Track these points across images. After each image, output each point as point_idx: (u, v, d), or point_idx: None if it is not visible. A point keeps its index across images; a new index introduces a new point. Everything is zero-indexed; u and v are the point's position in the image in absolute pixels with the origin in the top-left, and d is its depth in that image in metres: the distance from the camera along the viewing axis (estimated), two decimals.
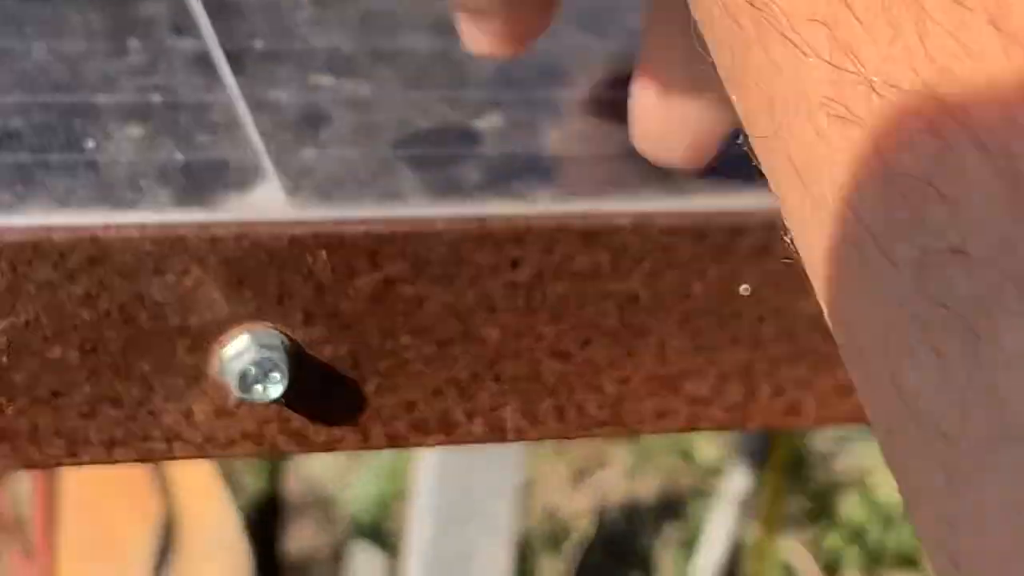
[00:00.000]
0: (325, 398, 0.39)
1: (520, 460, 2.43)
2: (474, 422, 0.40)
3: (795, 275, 0.41)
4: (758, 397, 0.42)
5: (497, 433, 0.40)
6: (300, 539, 3.42)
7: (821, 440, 3.19)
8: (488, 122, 0.42)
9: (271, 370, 0.37)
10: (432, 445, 0.40)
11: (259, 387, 0.37)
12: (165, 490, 2.14)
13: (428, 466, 2.43)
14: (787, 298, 0.41)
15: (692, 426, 0.42)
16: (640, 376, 0.41)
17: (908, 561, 3.02)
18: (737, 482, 2.48)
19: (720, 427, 0.42)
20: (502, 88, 0.43)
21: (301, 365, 0.38)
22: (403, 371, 0.39)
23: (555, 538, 2.83)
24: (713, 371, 0.41)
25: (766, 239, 0.40)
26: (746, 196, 0.40)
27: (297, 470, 2.99)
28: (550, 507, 3.03)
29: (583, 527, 2.79)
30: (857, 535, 2.92)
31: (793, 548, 2.76)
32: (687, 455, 3.03)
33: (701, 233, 0.40)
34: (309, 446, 0.39)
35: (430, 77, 0.43)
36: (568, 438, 0.41)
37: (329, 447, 0.39)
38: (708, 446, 2.98)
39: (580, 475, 3.08)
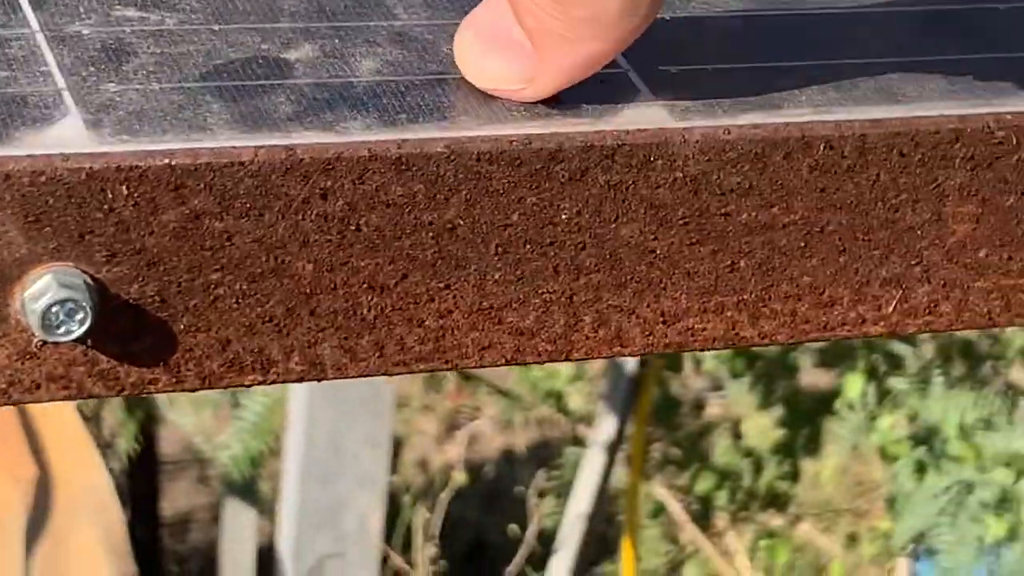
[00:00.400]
0: (134, 338, 0.37)
1: (391, 413, 2.42)
2: (291, 359, 0.39)
3: (615, 200, 0.40)
4: (582, 327, 0.41)
5: (316, 370, 0.39)
6: (176, 499, 3.39)
7: (693, 386, 3.21)
8: (299, 52, 0.40)
9: (74, 310, 0.36)
10: (248, 385, 0.39)
11: (62, 328, 0.36)
12: (38, 453, 2.11)
13: (298, 423, 2.42)
14: (607, 224, 0.40)
15: (517, 359, 0.41)
16: (461, 309, 0.40)
17: (778, 503, 3.05)
18: (606, 430, 2.49)
19: (545, 359, 0.41)
20: (314, 18, 0.42)
21: (107, 304, 0.37)
22: (214, 308, 0.38)
23: (428, 490, 2.82)
24: (535, 302, 0.40)
25: (584, 164, 0.39)
26: (562, 121, 0.40)
27: (171, 431, 2.97)
28: (423, 460, 3.02)
29: (456, 478, 2.78)
30: (728, 479, 2.95)
31: (663, 492, 2.77)
32: (559, 404, 3.04)
33: (517, 160, 0.39)
34: (119, 388, 0.38)
35: (239, 8, 0.42)
36: (389, 374, 0.40)
37: (140, 389, 0.38)
38: (578, 395, 2.99)
39: (452, 427, 3.08)
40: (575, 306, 0.41)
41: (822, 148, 0.41)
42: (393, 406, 2.36)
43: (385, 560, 2.41)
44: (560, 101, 0.40)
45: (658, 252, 0.41)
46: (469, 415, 2.95)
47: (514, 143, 0.39)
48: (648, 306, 0.41)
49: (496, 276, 0.40)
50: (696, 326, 0.42)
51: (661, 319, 0.42)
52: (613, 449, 2.43)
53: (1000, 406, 2.02)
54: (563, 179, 0.39)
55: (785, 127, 0.41)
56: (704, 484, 2.91)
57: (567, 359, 0.41)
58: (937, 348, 3.07)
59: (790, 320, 0.43)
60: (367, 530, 2.43)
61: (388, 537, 2.48)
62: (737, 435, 3.09)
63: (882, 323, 0.43)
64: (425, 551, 2.45)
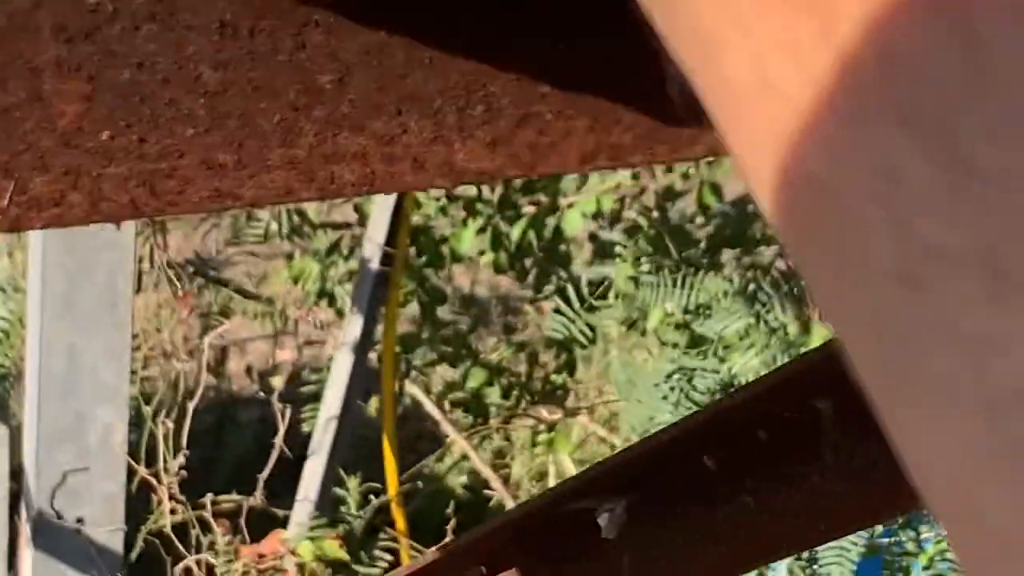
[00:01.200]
0: None
1: (128, 324, 2.37)
2: None
3: None
4: None
5: None
6: None
7: (461, 282, 3.19)
8: None
9: None
10: None
11: None
12: None
13: (34, 337, 2.36)
14: None
15: None
16: None
17: (554, 397, 3.04)
18: (353, 331, 2.45)
19: None
20: None
21: None
22: None
23: (173, 400, 2.77)
24: None
25: None
26: None
27: None
28: (168, 370, 2.97)
29: (202, 386, 2.73)
30: (501, 374, 2.93)
31: (417, 391, 2.74)
32: (333, 306, 3.00)
33: None
34: None
35: None
36: None
37: None
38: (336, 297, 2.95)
39: (203, 331, 3.02)
40: None
41: None
42: (130, 316, 2.31)
43: (133, 474, 2.37)
44: None
45: None
46: (216, 317, 2.90)
47: None
48: None
49: None
50: None
51: None
52: (361, 350, 2.40)
53: (721, 292, 2.01)
54: None
55: None
56: (476, 378, 2.89)
57: None
58: (707, 238, 3.07)
59: None
60: (110, 443, 2.39)
61: (135, 450, 2.44)
62: (510, 329, 3.07)
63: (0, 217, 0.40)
64: (172, 462, 2.41)
